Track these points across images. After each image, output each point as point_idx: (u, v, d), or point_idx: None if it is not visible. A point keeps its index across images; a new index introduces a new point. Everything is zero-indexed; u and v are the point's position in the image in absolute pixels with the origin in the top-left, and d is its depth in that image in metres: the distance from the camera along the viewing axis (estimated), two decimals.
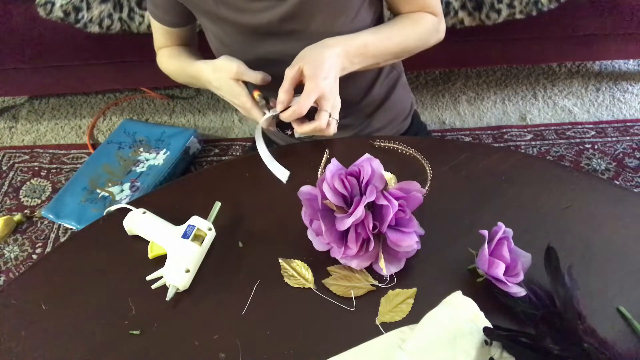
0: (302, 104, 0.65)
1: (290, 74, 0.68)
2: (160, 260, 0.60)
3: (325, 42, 0.71)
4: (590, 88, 1.79)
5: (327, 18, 0.75)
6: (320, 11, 0.75)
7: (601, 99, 1.75)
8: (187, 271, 0.58)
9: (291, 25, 0.76)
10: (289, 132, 0.73)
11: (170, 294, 0.56)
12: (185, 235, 0.60)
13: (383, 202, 0.54)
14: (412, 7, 0.80)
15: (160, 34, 0.87)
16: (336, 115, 0.70)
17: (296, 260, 0.60)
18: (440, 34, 0.84)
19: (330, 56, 0.68)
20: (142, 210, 0.63)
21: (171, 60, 0.87)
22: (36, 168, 1.64)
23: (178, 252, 0.59)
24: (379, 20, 0.85)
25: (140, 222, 0.62)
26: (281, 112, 0.68)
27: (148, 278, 0.59)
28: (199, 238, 0.61)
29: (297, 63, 0.68)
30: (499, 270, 0.52)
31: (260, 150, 0.71)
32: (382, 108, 0.93)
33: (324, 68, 0.67)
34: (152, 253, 0.61)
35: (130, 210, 0.64)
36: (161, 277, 0.58)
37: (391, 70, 0.92)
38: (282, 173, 0.69)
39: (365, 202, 0.54)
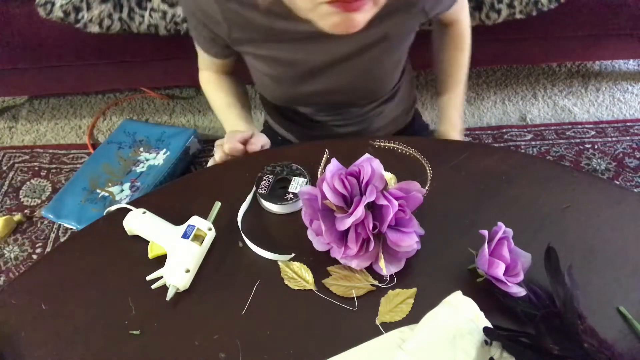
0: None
1: None
2: (160, 260, 0.60)
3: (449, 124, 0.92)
4: (590, 88, 1.79)
5: (379, 55, 0.78)
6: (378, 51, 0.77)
7: (601, 99, 1.75)
8: (187, 271, 0.58)
9: (344, 64, 0.77)
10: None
11: (170, 294, 0.56)
12: (185, 235, 0.60)
13: (383, 202, 0.54)
14: (446, 19, 0.89)
15: (205, 59, 0.87)
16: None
17: (296, 263, 0.59)
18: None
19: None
20: (142, 210, 0.63)
21: (216, 92, 0.89)
22: (36, 168, 1.64)
23: (178, 252, 0.59)
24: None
25: (140, 222, 0.62)
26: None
27: (148, 278, 0.59)
28: (199, 238, 0.61)
29: None
30: (499, 270, 0.52)
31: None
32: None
33: None
34: (152, 253, 0.61)
35: (130, 210, 0.64)
36: (161, 277, 0.58)
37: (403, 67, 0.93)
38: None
39: (365, 202, 0.54)
